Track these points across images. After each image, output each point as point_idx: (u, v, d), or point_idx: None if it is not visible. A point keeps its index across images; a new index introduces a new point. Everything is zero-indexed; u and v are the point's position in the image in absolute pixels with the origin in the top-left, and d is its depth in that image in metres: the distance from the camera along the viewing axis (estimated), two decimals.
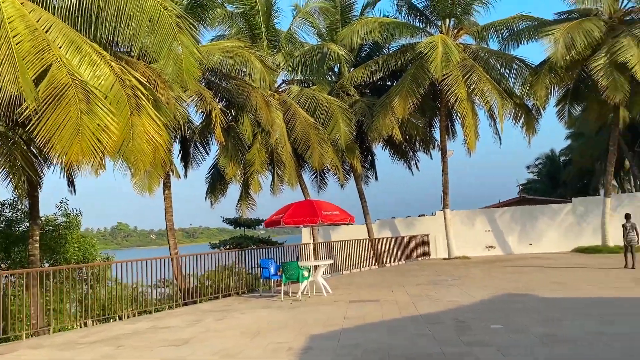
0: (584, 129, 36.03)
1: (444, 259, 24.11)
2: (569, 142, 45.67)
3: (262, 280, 14.29)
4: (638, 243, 16.04)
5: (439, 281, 15.10)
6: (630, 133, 33.11)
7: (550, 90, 22.86)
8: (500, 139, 24.25)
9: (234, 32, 21.64)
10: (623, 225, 16.38)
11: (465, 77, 21.71)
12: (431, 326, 8.47)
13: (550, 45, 20.40)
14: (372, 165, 27.90)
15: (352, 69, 24.61)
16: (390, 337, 7.88)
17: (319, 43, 24.48)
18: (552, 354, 6.41)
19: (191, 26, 13.30)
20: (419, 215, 28.07)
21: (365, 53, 26.32)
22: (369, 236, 23.96)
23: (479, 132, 22.43)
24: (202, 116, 18.96)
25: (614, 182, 43.51)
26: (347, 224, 15.09)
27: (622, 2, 22.35)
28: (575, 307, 9.67)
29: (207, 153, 21.21)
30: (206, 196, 21.47)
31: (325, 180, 26.55)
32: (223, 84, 18.71)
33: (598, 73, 20.30)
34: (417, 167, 27.54)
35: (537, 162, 53.45)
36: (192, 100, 16.97)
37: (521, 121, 23.42)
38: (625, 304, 9.92)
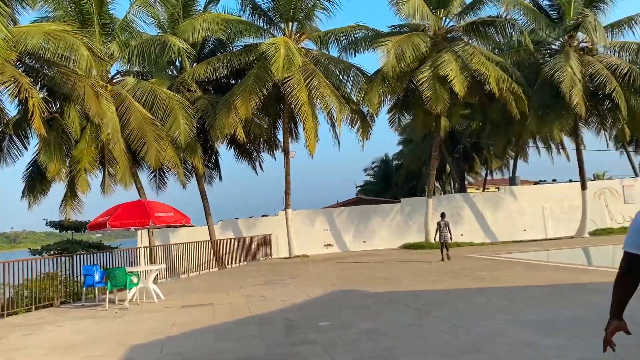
0: (413, 135, 39.36)
1: (285, 258, 24.49)
2: (401, 147, 49.70)
3: (84, 288, 13.02)
4: (451, 239, 17.88)
5: (276, 281, 15.21)
6: (450, 141, 37.02)
7: (383, 98, 24.51)
8: (339, 143, 25.40)
9: (60, 15, 19.55)
10: (438, 223, 18.10)
11: (307, 81, 22.29)
12: (262, 327, 8.38)
13: (383, 55, 21.88)
14: (217, 165, 27.33)
15: (195, 64, 23.86)
16: (218, 342, 7.60)
17: (159, 34, 23.27)
18: (375, 348, 6.66)
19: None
20: (262, 216, 28.20)
21: (209, 49, 25.73)
22: (210, 238, 23.37)
23: (319, 135, 23.20)
24: (19, 105, 16.87)
25: (437, 185, 48.32)
26: (183, 226, 14.46)
27: (445, 21, 24.81)
28: (397, 301, 10.30)
29: (26, 148, 18.93)
30: (23, 196, 19.08)
31: (165, 179, 25.38)
32: (45, 71, 16.80)
33: (423, 84, 22.25)
34: (261, 168, 27.64)
35: (373, 166, 57.13)
36: (5, 87, 14.95)
37: (357, 126, 24.75)
38: (440, 295, 10.84)
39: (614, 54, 24.89)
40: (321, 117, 23.98)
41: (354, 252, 25.59)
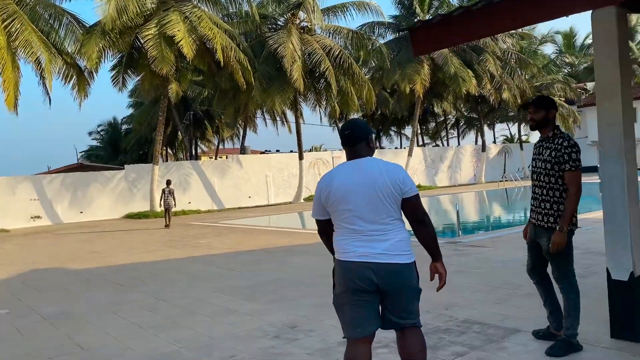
0: (143, 98, 37.13)
1: None
2: (131, 110, 46.55)
3: None
4: (175, 207, 17.44)
5: None
6: (183, 106, 36.16)
7: (104, 53, 22.16)
8: (50, 99, 22.10)
9: None
10: (163, 190, 17.53)
11: (6, 23, 18.63)
12: None
13: (102, 5, 19.69)
14: None
15: None
16: None
17: None
18: (55, 337, 5.73)
19: None
20: None
21: None
22: None
23: (23, 89, 19.80)
24: None
25: (170, 152, 47.08)
26: None
27: None
28: (103, 277, 9.33)
29: None
30: None
31: None
32: None
33: (148, 43, 20.80)
34: None
35: (99, 129, 52.45)
36: None
37: (72, 82, 21.93)
38: (152, 267, 10.22)
39: (329, 37, 27.42)
40: (27, 69, 20.50)
41: (68, 224, 22.90)
